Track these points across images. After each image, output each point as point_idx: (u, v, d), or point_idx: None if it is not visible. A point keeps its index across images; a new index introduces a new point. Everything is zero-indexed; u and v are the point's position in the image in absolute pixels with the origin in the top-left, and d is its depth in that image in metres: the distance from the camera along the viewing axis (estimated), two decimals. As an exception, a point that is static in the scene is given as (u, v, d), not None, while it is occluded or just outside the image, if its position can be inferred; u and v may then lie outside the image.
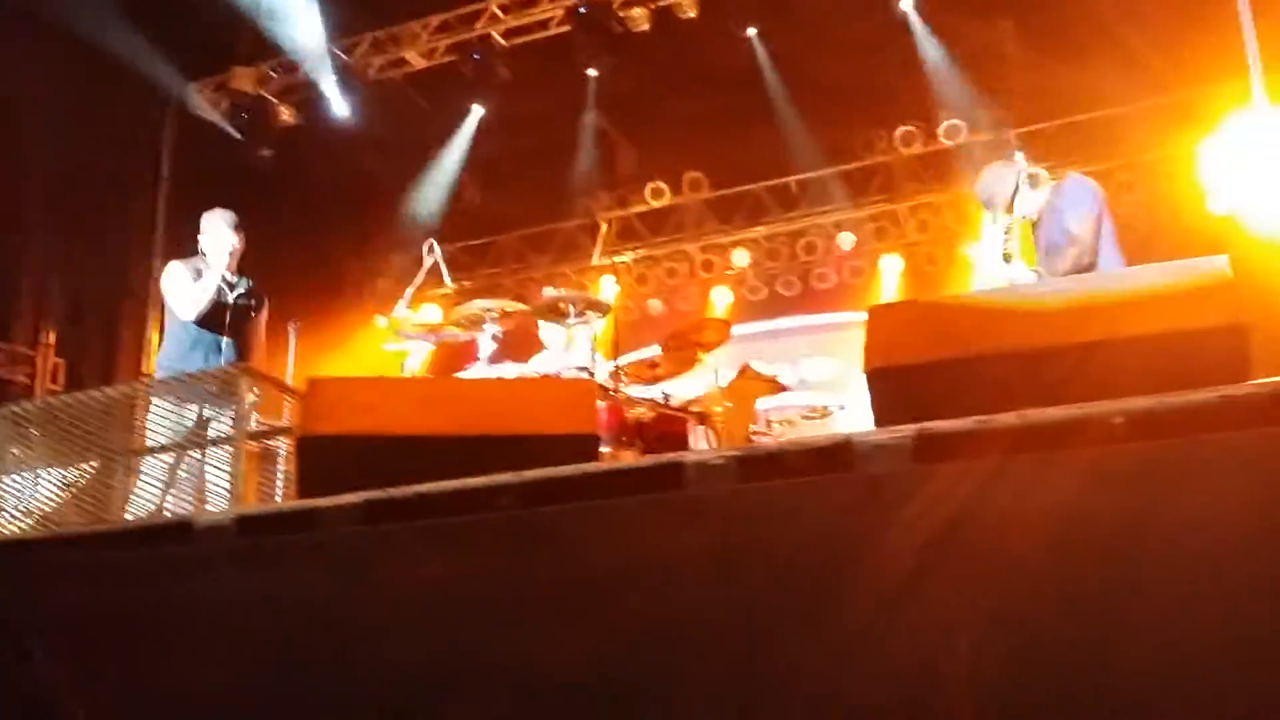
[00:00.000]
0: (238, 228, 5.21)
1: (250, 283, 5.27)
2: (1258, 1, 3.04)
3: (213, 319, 5.07)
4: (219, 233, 5.16)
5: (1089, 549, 1.75)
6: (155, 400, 4.50)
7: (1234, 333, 2.07)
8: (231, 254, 5.16)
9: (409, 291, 5.99)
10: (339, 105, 9.35)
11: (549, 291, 5.99)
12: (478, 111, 9.69)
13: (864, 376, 2.45)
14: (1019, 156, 4.75)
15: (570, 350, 6.04)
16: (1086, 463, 1.77)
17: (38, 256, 8.70)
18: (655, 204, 10.20)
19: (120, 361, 8.89)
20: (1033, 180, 4.63)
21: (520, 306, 6.07)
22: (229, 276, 5.14)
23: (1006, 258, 4.57)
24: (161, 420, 4.10)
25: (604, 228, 8.64)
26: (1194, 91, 8.04)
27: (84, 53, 8.23)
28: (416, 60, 9.35)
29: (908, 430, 1.88)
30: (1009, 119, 9.12)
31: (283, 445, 3.68)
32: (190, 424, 4.47)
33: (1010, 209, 4.63)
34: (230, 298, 5.12)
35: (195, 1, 8.39)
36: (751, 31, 8.56)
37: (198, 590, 2.39)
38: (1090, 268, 4.36)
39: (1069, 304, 2.34)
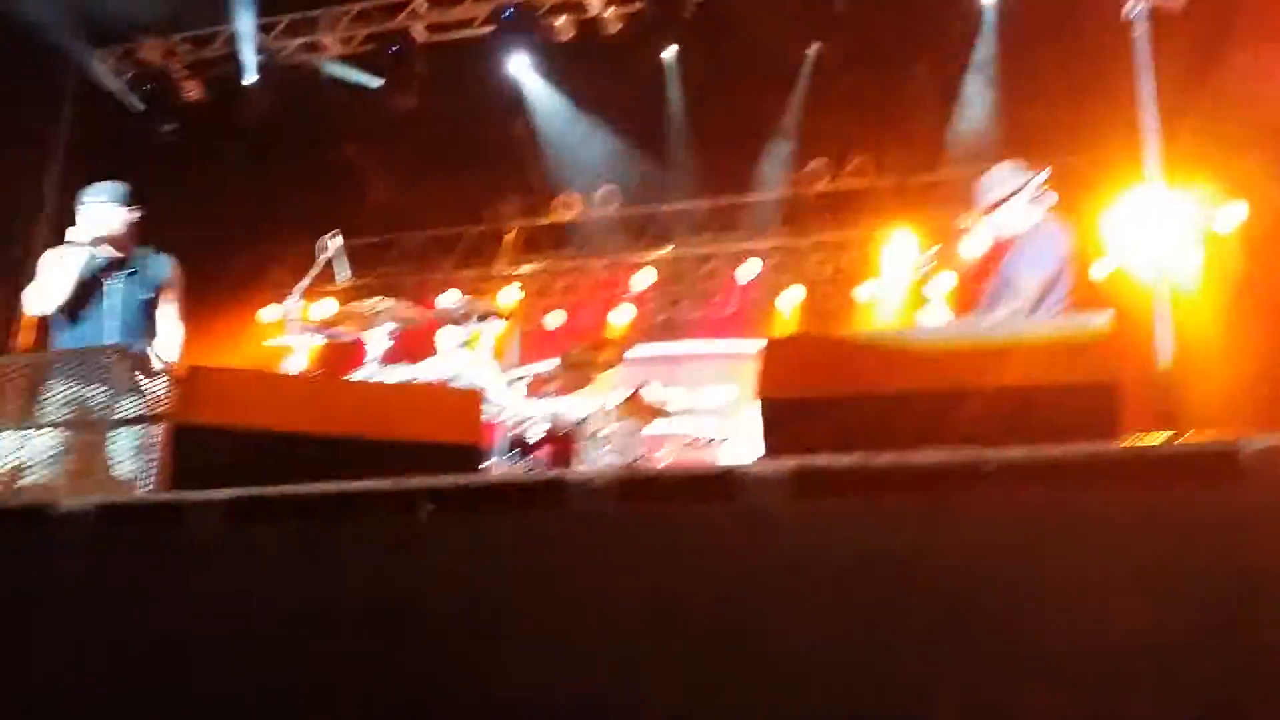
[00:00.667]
0: (128, 202, 4.54)
1: (150, 261, 4.59)
2: (1160, 77, 3.18)
3: (88, 314, 4.38)
4: (97, 209, 4.49)
5: (960, 592, 1.78)
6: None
7: (1105, 391, 2.14)
8: (114, 232, 4.47)
9: (303, 283, 5.85)
10: (249, 79, 9.11)
11: (447, 299, 5.93)
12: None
13: (756, 405, 2.47)
14: (1041, 176, 4.35)
15: (465, 358, 5.98)
16: (961, 508, 1.80)
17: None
18: (564, 217, 10.18)
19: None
20: (1036, 202, 4.31)
21: (417, 310, 5.99)
22: (98, 254, 4.42)
23: (920, 292, 4.44)
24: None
25: (510, 236, 8.59)
26: (1085, 158, 8.36)
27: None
28: (333, 46, 9.18)
29: (788, 464, 1.89)
30: (910, 164, 9.36)
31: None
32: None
33: (989, 210, 4.36)
34: (113, 284, 4.43)
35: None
36: (668, 54, 8.61)
37: (52, 579, 2.28)
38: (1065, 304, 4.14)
39: (955, 349, 2.39)
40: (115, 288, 4.41)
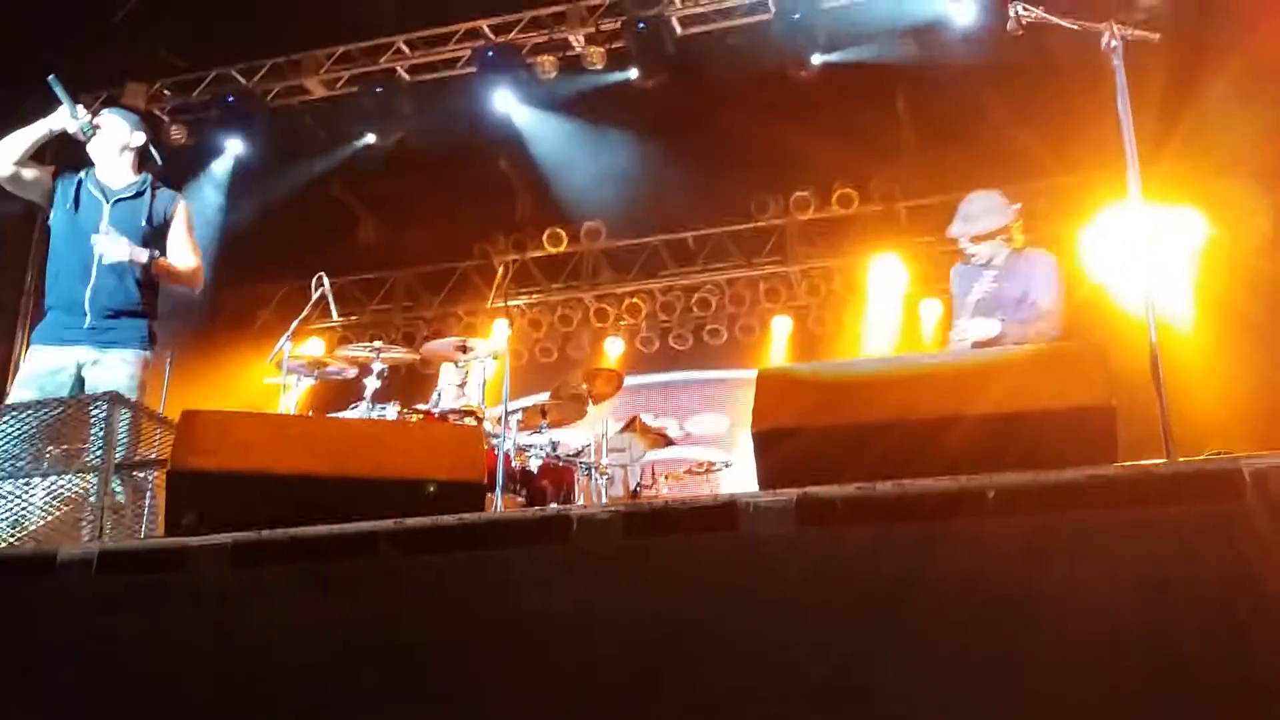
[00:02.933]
0: (141, 128, 4.28)
1: (157, 192, 4.24)
2: (1135, 100, 3.24)
3: (84, 232, 4.01)
4: (108, 116, 4.21)
5: (960, 619, 1.79)
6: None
7: (1103, 414, 2.16)
8: (118, 143, 4.18)
9: (294, 324, 5.87)
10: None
11: (435, 344, 5.95)
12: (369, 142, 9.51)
13: (750, 437, 2.48)
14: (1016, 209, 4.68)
15: (460, 394, 6.00)
16: (960, 534, 1.82)
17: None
18: (553, 250, 10.22)
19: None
20: (1011, 237, 4.63)
21: (406, 353, 6.00)
22: (82, 125, 4.06)
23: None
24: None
25: (500, 271, 8.62)
26: (1070, 179, 8.46)
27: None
28: (316, 89, 9.24)
29: (791, 494, 1.91)
30: (897, 191, 9.44)
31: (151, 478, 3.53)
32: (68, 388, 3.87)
33: (978, 240, 4.66)
34: (114, 206, 4.12)
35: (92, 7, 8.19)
36: (650, 84, 8.69)
37: (57, 626, 2.28)
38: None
39: (950, 377, 2.42)
40: (113, 210, 4.12)
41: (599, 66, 8.67)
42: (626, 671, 1.95)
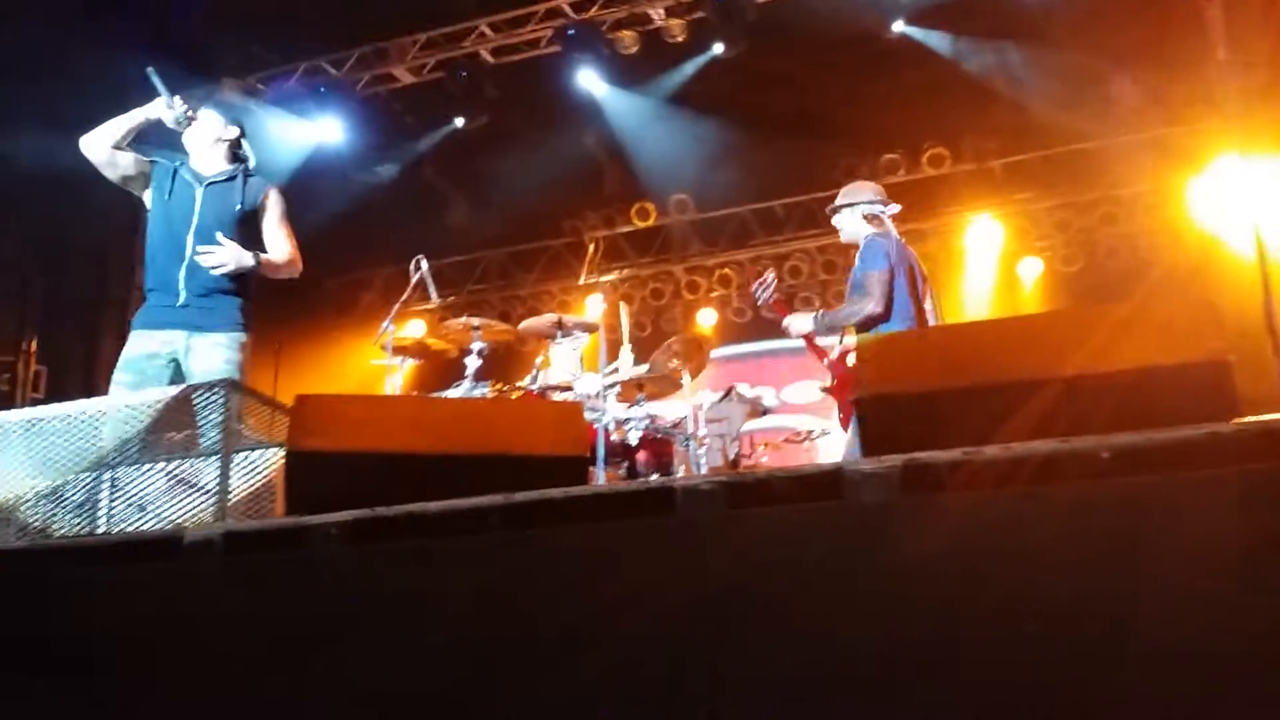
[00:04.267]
0: (238, 124, 4.42)
1: (249, 180, 4.31)
2: (1244, 48, 3.11)
3: (176, 216, 4.12)
4: (202, 112, 4.34)
5: (1073, 582, 1.77)
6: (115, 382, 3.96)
7: (1219, 368, 2.09)
8: (212, 134, 4.30)
9: (395, 308, 6.00)
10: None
11: (532, 322, 6.03)
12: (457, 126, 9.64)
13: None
14: (888, 209, 5.05)
15: (555, 370, 6.06)
16: (1072, 497, 1.79)
17: (16, 261, 8.67)
18: (641, 224, 10.24)
19: (102, 368, 8.84)
20: (874, 220, 4.96)
21: (504, 331, 6.10)
22: (178, 115, 4.16)
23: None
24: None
25: (591, 248, 8.67)
26: (1176, 130, 8.17)
27: (69, 56, 8.23)
28: (404, 76, 9.38)
29: (895, 460, 1.90)
30: (991, 149, 9.22)
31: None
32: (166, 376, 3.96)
33: (832, 214, 5.08)
34: (206, 190, 4.20)
35: (184, 8, 8.41)
36: (732, 53, 8.62)
37: (183, 606, 2.38)
38: (879, 318, 4.59)
39: (1057, 336, 2.37)
40: (205, 194, 4.21)
41: (680, 39, 8.64)
42: (733, 642, 1.96)
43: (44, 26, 8.13)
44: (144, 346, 4.08)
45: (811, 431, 6.78)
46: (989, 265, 9.29)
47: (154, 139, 4.32)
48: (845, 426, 4.74)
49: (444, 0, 9.02)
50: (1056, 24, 7.77)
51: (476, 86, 9.21)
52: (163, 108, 4.18)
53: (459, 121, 9.48)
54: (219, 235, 4.11)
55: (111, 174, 4.25)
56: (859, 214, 4.94)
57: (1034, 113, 8.43)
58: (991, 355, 2.30)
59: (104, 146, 4.16)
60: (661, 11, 8.61)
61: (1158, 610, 1.69)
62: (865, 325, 4.55)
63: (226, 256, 4.07)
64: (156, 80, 4.19)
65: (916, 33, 8.53)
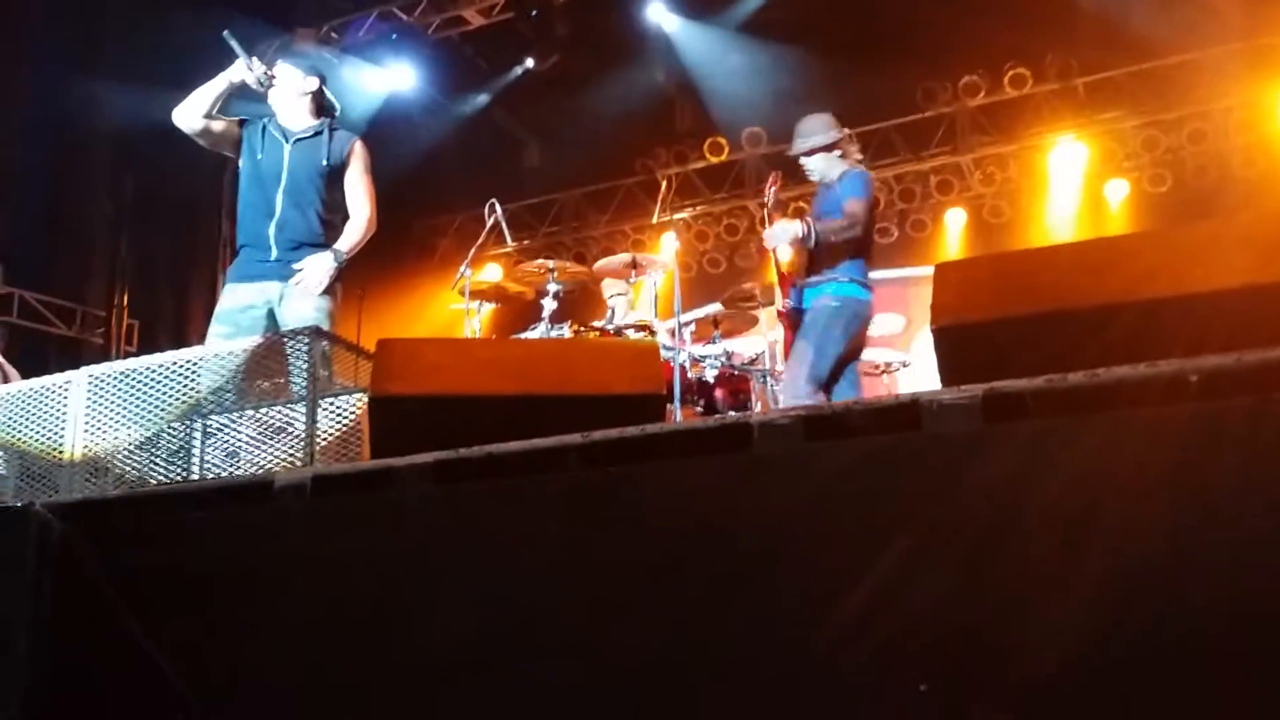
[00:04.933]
0: (318, 74, 4.39)
1: (334, 134, 4.33)
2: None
3: (263, 175, 4.19)
4: (280, 67, 4.34)
5: (1162, 510, 1.73)
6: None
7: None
8: (295, 90, 4.30)
9: (472, 252, 6.04)
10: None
11: (607, 261, 6.03)
12: (527, 67, 9.61)
13: (930, 333, 2.43)
14: (847, 140, 5.08)
15: (632, 309, 6.07)
16: (1161, 422, 1.75)
17: (108, 217, 8.91)
18: (714, 160, 10.13)
19: (193, 321, 9.09)
20: (843, 156, 5.02)
21: (579, 271, 6.11)
22: (259, 77, 4.19)
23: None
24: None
25: (664, 185, 8.61)
26: (1267, 41, 7.80)
27: (150, 14, 8.37)
28: (474, 18, 9.35)
29: (976, 390, 1.87)
30: (1074, 68, 8.91)
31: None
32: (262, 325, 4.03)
33: (807, 155, 5.04)
34: (291, 148, 4.25)
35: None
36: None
37: (275, 549, 2.46)
38: (861, 243, 4.82)
39: (1143, 257, 2.29)
40: (293, 150, 4.26)
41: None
42: (816, 577, 1.96)
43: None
44: (239, 299, 4.17)
45: (890, 364, 6.70)
46: (1073, 188, 9.02)
47: (242, 97, 4.37)
48: (787, 354, 4.74)
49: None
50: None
51: (546, 25, 9.17)
52: (243, 70, 4.21)
53: (529, 62, 9.45)
54: (303, 205, 4.21)
55: (206, 141, 4.32)
56: (835, 153, 4.99)
57: (1118, 28, 8.11)
58: (1074, 279, 2.24)
59: (196, 116, 4.21)
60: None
61: (1249, 535, 1.65)
62: None
63: (315, 277, 4.13)
64: (234, 43, 4.21)
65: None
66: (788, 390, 4.58)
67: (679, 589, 2.04)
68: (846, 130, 5.07)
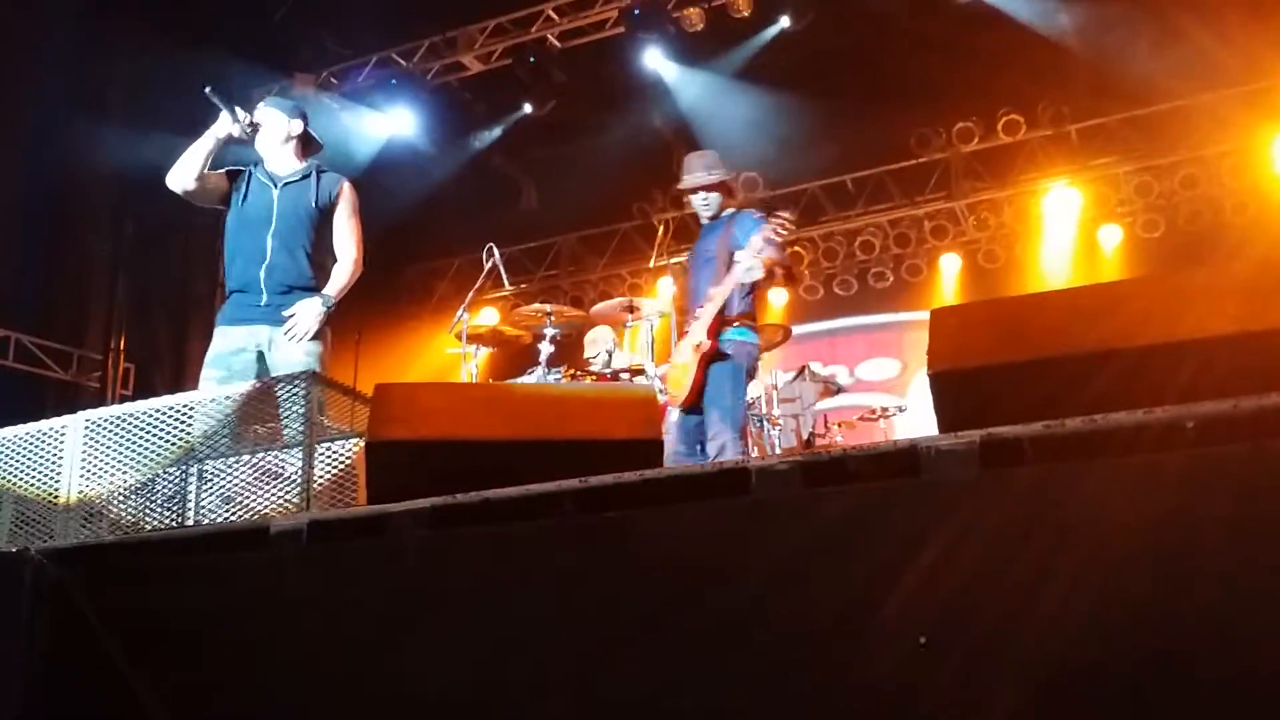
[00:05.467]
0: (296, 115, 4.40)
1: (321, 176, 4.34)
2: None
3: (251, 218, 4.19)
4: (263, 111, 4.35)
5: (1160, 557, 1.73)
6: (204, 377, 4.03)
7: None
8: (279, 135, 4.32)
9: (469, 296, 6.06)
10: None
11: (603, 306, 6.06)
12: (525, 112, 9.70)
13: (927, 379, 2.43)
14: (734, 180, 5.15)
15: (628, 352, 6.08)
16: (1158, 468, 1.75)
17: (105, 260, 8.93)
18: (710, 204, 10.18)
19: (190, 364, 9.08)
20: (731, 195, 5.04)
21: (576, 315, 6.13)
22: (244, 127, 4.19)
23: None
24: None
25: (661, 230, 8.64)
26: (1261, 86, 7.89)
27: (152, 58, 8.45)
28: (473, 64, 9.45)
29: (974, 435, 1.87)
30: (1067, 113, 9.00)
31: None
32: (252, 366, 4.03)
33: (694, 191, 4.97)
34: (280, 191, 4.25)
35: (257, 6, 8.59)
36: (798, 26, 8.53)
37: (271, 594, 2.44)
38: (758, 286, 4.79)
39: (1140, 302, 2.30)
40: (281, 195, 4.26)
41: (746, 14, 8.57)
42: (813, 623, 1.96)
43: (127, 28, 8.34)
44: (230, 342, 4.18)
45: (887, 409, 6.71)
46: (1068, 233, 9.08)
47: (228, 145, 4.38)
48: (695, 394, 4.61)
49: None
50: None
51: (544, 72, 9.26)
52: (229, 123, 4.23)
53: (527, 107, 9.53)
54: (288, 284, 4.20)
55: (202, 201, 4.36)
56: (717, 194, 4.96)
57: (1111, 74, 8.19)
58: (1069, 324, 2.24)
59: (189, 178, 4.23)
60: (725, -13, 8.56)
61: (1248, 583, 1.64)
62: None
63: (305, 323, 4.14)
64: (216, 98, 4.24)
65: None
66: (718, 438, 4.49)
67: (675, 633, 2.03)
68: (735, 171, 5.16)
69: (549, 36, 9.14)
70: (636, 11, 8.71)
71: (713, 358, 4.60)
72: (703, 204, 4.97)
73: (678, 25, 8.67)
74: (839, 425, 6.54)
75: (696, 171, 4.99)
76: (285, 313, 4.15)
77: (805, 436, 6.24)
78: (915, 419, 6.79)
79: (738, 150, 9.79)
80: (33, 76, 7.89)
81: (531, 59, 9.16)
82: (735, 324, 4.70)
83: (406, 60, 9.51)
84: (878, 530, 1.94)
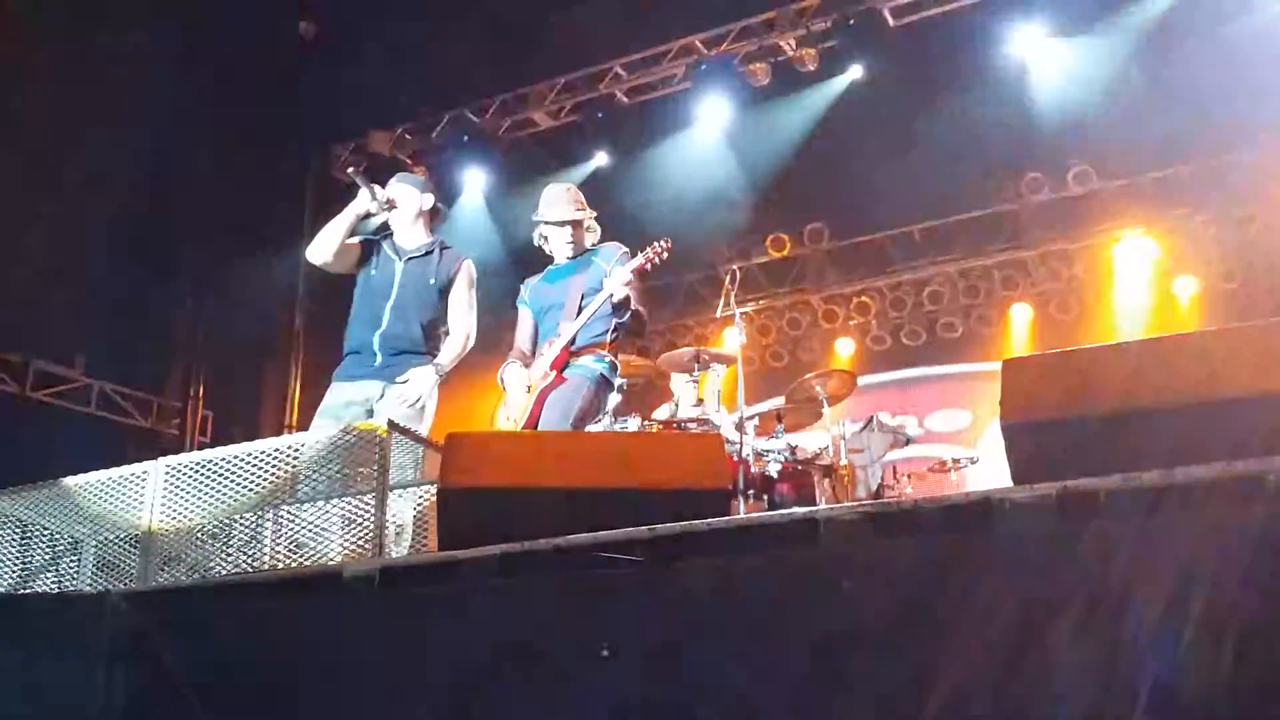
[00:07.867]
0: (429, 189, 4.68)
1: (444, 253, 4.58)
2: None
3: (374, 289, 4.45)
4: (396, 186, 4.59)
5: (1242, 610, 1.69)
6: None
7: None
8: (412, 211, 4.55)
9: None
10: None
11: (671, 355, 6.08)
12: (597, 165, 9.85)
13: (998, 430, 2.41)
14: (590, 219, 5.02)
15: (695, 402, 6.09)
16: (1237, 523, 1.71)
17: (187, 310, 9.20)
18: (776, 255, 10.21)
19: (264, 413, 9.29)
20: (588, 230, 4.98)
21: (645, 360, 6.15)
22: (381, 204, 4.44)
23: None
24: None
25: (728, 280, 8.69)
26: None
27: (233, 115, 8.74)
28: (543, 120, 9.62)
29: (1051, 487, 1.85)
30: (1140, 163, 8.89)
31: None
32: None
33: (560, 225, 4.85)
34: (404, 265, 4.48)
35: (335, 64, 8.86)
36: (865, 78, 8.59)
37: (344, 639, 2.48)
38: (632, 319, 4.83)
39: (1217, 354, 2.26)
40: (405, 268, 4.48)
41: (812, 68, 8.65)
42: (888, 674, 1.94)
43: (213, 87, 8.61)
44: (343, 396, 4.39)
45: (958, 460, 6.62)
46: (1141, 284, 8.93)
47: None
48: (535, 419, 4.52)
49: (581, 44, 9.24)
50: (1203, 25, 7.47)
51: (613, 126, 9.39)
52: (367, 200, 4.48)
53: (596, 162, 9.67)
54: (404, 360, 4.40)
55: (338, 270, 4.58)
56: (568, 231, 4.86)
57: (1184, 123, 8.08)
58: (1144, 376, 2.21)
59: (328, 252, 4.46)
60: (793, 41, 8.64)
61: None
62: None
63: (416, 390, 4.35)
64: (359, 179, 4.53)
65: (1058, 44, 8.33)
66: None
67: (749, 682, 2.02)
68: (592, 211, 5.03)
69: (617, 92, 9.30)
70: (704, 67, 8.83)
71: (551, 388, 4.59)
72: (566, 241, 4.85)
73: (744, 80, 8.77)
74: (909, 477, 6.46)
75: (562, 204, 4.89)
76: (399, 378, 4.34)
77: (874, 488, 6.17)
78: (987, 471, 6.68)
79: (804, 201, 9.83)
80: (123, 120, 8.11)
81: (600, 114, 9.30)
82: (584, 355, 4.67)
83: (479, 117, 9.72)
84: (950, 582, 1.92)
